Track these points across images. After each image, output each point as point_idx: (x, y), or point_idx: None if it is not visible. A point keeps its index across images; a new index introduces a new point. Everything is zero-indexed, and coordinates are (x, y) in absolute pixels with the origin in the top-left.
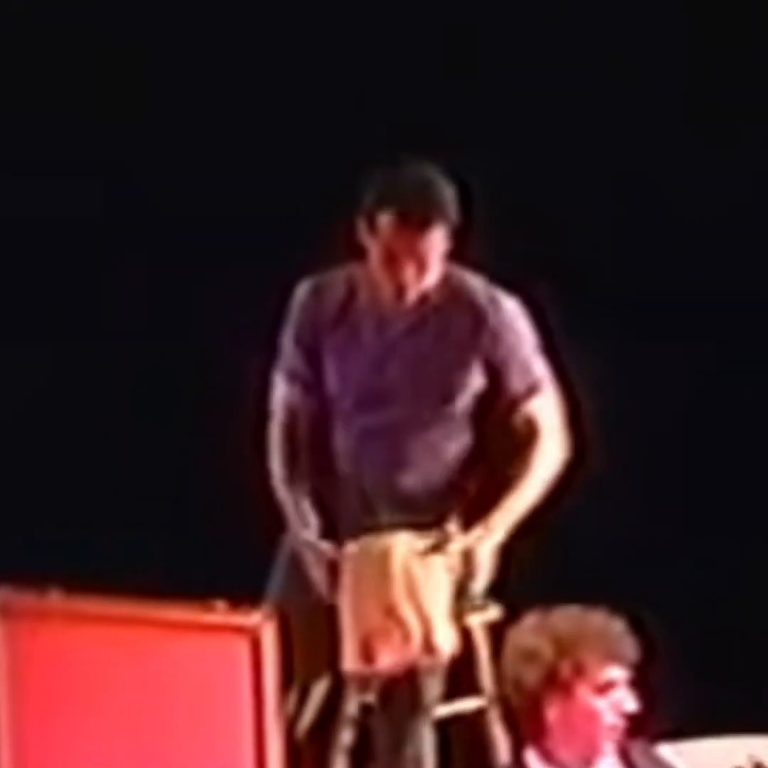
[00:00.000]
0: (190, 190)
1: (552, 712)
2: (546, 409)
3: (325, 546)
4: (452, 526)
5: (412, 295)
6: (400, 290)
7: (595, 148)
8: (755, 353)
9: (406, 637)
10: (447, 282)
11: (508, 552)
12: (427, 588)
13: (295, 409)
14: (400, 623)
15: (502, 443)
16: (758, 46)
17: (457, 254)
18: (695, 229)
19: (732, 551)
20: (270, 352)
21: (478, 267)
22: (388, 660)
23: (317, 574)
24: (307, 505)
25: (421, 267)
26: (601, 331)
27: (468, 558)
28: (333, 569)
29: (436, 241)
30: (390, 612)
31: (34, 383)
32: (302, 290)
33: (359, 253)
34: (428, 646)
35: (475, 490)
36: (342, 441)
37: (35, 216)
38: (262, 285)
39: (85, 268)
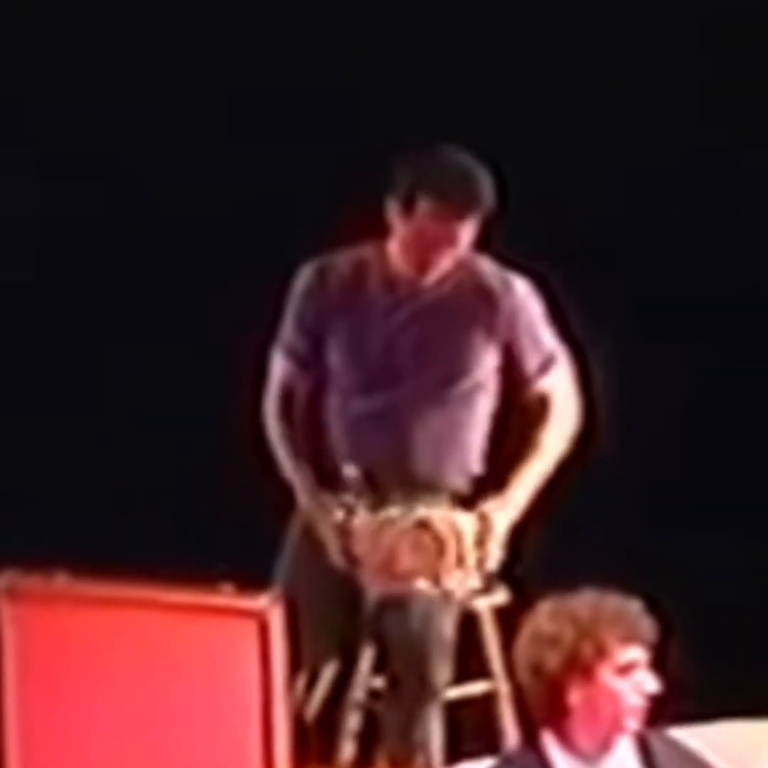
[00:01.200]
0: (190, 180)
1: (574, 696)
2: (559, 385)
3: (338, 512)
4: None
5: (433, 274)
6: (423, 268)
7: (605, 145)
8: (758, 351)
9: (441, 549)
10: (459, 264)
11: (515, 536)
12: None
13: (292, 386)
14: (436, 536)
15: (515, 422)
16: None
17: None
18: (704, 227)
19: (744, 534)
20: (272, 339)
21: (489, 252)
22: (411, 564)
23: (329, 538)
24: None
25: (452, 249)
26: (604, 324)
27: (485, 524)
28: (345, 534)
29: (472, 227)
30: (424, 524)
31: (40, 374)
32: (307, 272)
33: (361, 238)
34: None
35: (486, 469)
36: (341, 421)
37: (35, 216)
38: (264, 274)
39: (85, 261)
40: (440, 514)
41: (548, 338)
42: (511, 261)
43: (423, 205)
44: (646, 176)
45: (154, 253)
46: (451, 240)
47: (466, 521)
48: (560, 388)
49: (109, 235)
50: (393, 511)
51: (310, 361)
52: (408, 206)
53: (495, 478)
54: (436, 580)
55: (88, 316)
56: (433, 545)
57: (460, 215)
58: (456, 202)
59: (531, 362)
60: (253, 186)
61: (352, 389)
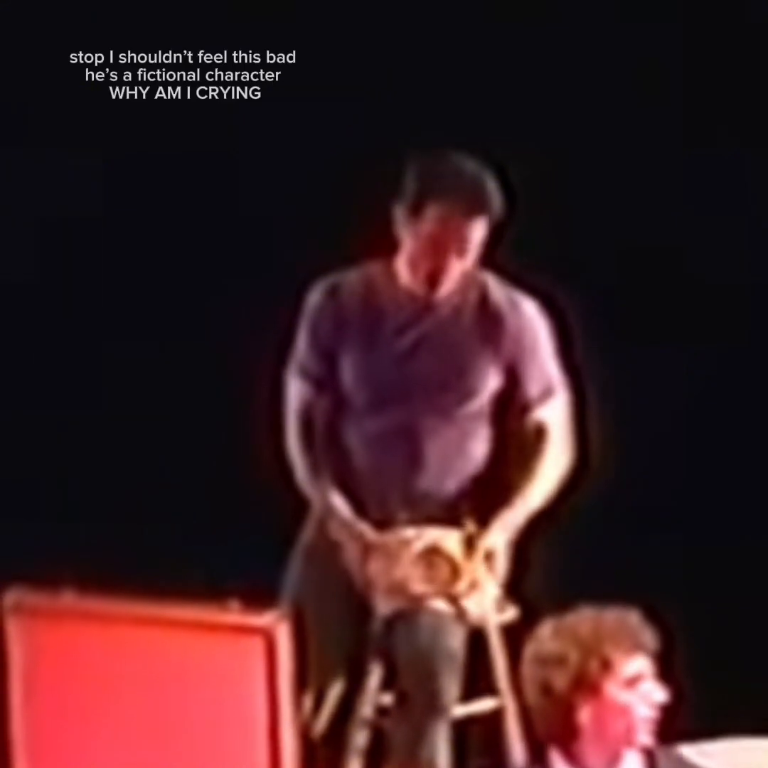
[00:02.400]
0: (197, 197)
1: (583, 714)
2: (557, 415)
3: (363, 527)
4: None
5: (444, 285)
6: (432, 279)
7: (603, 151)
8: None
9: (455, 572)
10: (468, 282)
11: (523, 554)
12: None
13: (310, 408)
14: (448, 557)
15: (514, 444)
16: None
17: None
18: (713, 235)
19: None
20: (283, 351)
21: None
22: (424, 587)
23: (352, 555)
24: (334, 497)
25: (461, 256)
26: (608, 335)
27: (490, 557)
28: (367, 551)
29: (480, 232)
30: (434, 550)
31: (47, 387)
32: (318, 291)
33: (375, 252)
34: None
35: (490, 489)
36: (355, 440)
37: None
38: (277, 287)
39: (96, 268)
40: (454, 537)
41: (552, 366)
42: (516, 276)
43: (431, 209)
44: (656, 185)
45: (160, 272)
46: (459, 243)
47: (477, 542)
48: (557, 418)
49: (112, 234)
50: (409, 532)
51: (324, 381)
52: (416, 212)
53: (500, 495)
54: (451, 602)
55: (96, 329)
56: (447, 568)
57: (469, 215)
58: (464, 202)
59: (532, 388)
60: (265, 185)
61: (364, 409)
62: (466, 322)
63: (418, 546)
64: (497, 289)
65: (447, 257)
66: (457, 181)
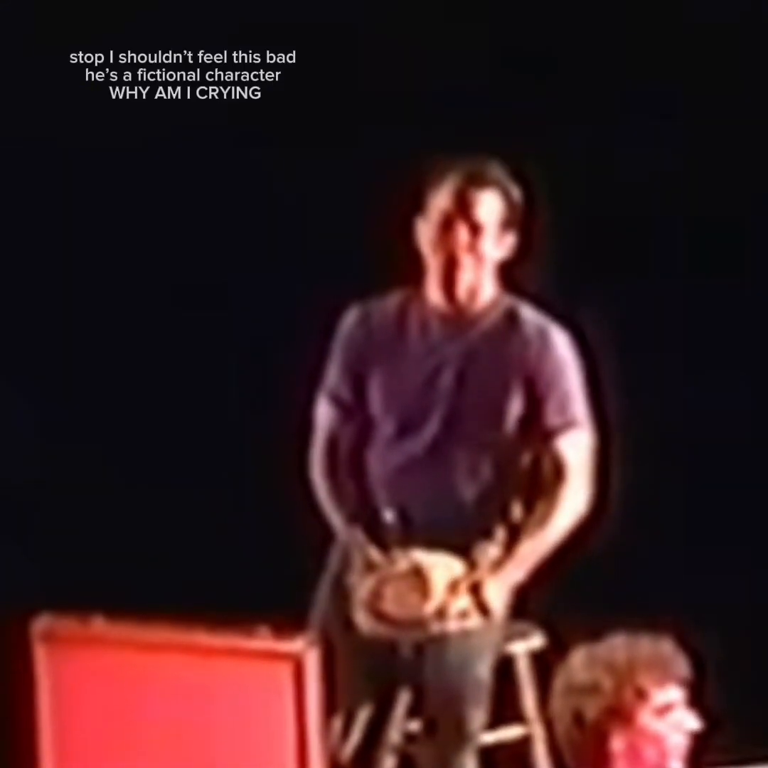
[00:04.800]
0: (227, 220)
1: (616, 743)
2: (577, 451)
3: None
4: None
5: (463, 285)
6: (452, 281)
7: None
8: None
9: (425, 593)
10: (498, 307)
11: (551, 580)
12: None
13: (337, 433)
14: (424, 579)
15: (536, 473)
16: None
17: (511, 281)
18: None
19: None
20: (315, 381)
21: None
22: (397, 610)
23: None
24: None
25: (475, 236)
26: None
27: (476, 590)
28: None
29: (491, 209)
30: (417, 571)
31: (77, 411)
32: (351, 317)
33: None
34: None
35: (517, 515)
36: (381, 467)
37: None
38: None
39: (97, 270)
40: (435, 562)
41: (575, 399)
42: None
43: (442, 190)
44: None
45: (161, 274)
46: (470, 218)
47: (458, 570)
48: (577, 455)
49: (142, 285)
50: (398, 552)
51: (353, 407)
52: (429, 206)
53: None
54: (420, 625)
55: (99, 332)
56: (417, 592)
57: (477, 186)
58: (472, 174)
59: (552, 417)
60: (260, 203)
61: (391, 434)
62: (495, 346)
63: (402, 566)
64: (529, 317)
65: (460, 239)
66: (466, 164)
